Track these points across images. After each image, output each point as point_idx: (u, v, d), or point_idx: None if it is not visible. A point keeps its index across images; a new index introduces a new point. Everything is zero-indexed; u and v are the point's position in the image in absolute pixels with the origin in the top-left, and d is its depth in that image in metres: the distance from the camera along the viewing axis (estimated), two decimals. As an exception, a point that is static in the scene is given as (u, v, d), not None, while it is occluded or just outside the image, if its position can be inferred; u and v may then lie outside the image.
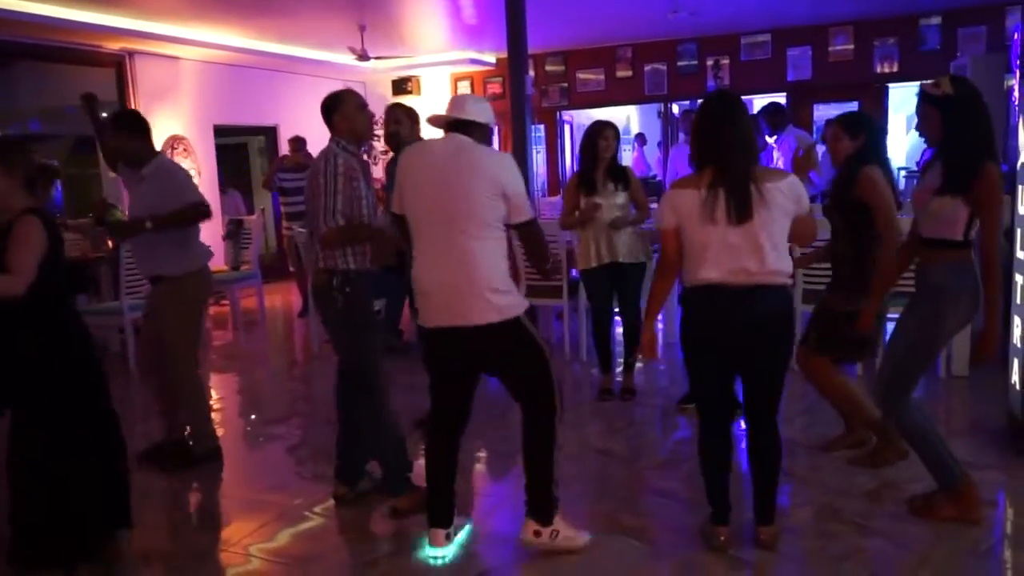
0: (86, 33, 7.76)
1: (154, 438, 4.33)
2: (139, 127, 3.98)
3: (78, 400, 2.96)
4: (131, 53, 8.57)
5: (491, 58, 11.02)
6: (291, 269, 8.72)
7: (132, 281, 5.96)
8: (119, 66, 8.62)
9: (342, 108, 3.39)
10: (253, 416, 5.25)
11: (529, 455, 2.97)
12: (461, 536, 3.16)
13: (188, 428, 4.20)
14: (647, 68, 10.60)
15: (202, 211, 3.97)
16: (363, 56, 8.56)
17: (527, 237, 3.02)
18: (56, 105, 9.72)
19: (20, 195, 2.90)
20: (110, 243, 6.67)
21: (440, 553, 3.06)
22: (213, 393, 5.77)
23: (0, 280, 2.73)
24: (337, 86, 3.52)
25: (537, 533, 2.98)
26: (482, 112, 2.97)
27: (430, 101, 11.30)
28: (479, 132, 2.93)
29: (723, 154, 2.72)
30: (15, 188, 2.88)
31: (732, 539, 2.99)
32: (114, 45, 8.34)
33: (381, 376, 3.41)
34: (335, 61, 10.18)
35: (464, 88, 11.45)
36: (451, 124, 2.95)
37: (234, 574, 3.10)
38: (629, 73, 10.70)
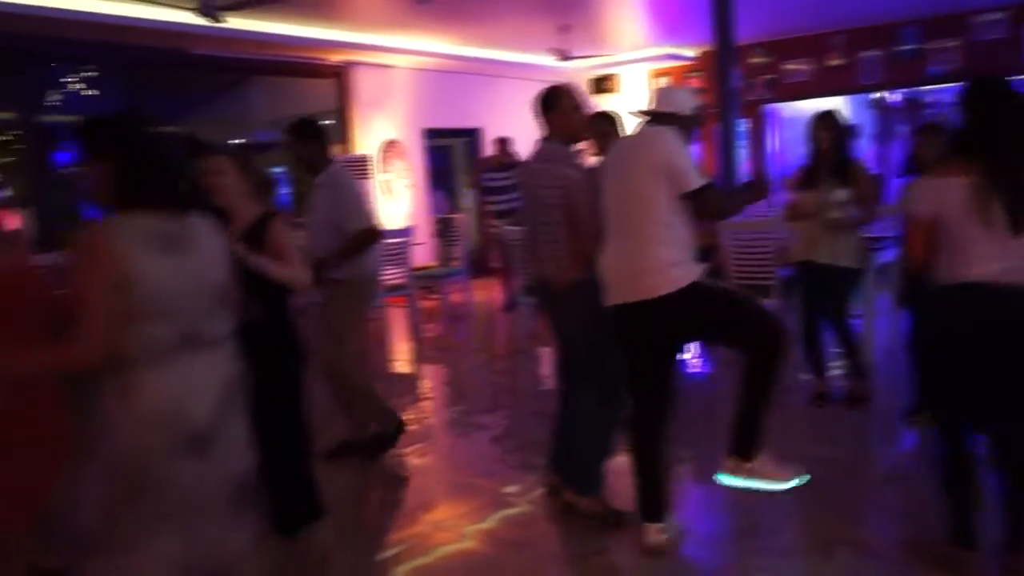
0: (311, 48, 8.46)
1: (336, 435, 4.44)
2: (311, 133, 4.06)
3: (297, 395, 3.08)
4: (350, 64, 9.23)
5: (690, 52, 10.80)
6: (495, 266, 9.01)
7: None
8: (339, 77, 9.32)
9: (560, 105, 3.32)
10: (461, 406, 5.47)
11: (745, 393, 2.92)
12: (672, 534, 3.13)
13: (372, 424, 4.26)
14: (862, 55, 9.95)
15: (369, 237, 3.99)
16: (565, 56, 8.67)
17: (703, 205, 2.91)
18: (283, 116, 10.67)
19: (248, 200, 2.99)
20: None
21: (656, 548, 3.04)
22: (423, 383, 6.10)
23: (290, 274, 2.87)
24: (537, 88, 3.49)
25: (736, 467, 2.94)
26: (676, 102, 2.98)
27: (629, 98, 11.26)
28: (676, 123, 2.94)
29: (995, 147, 2.51)
30: (245, 193, 2.99)
31: (978, 565, 2.74)
32: (335, 58, 9.03)
33: (605, 378, 3.35)
34: (535, 63, 10.40)
35: (663, 85, 11.31)
36: (655, 117, 3.00)
37: (449, 551, 3.26)
38: (841, 61, 10.09)
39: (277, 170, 12.37)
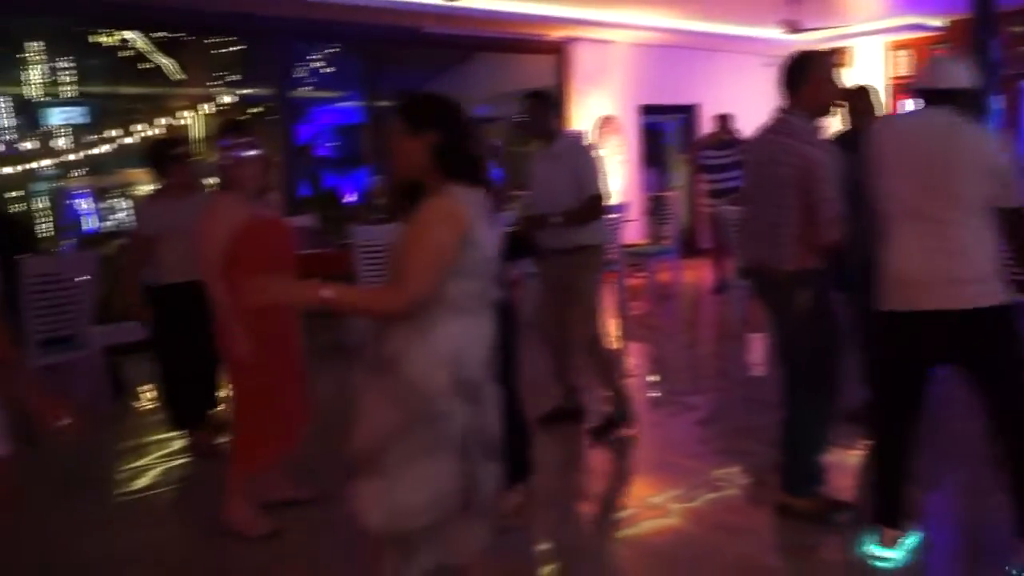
0: (534, 24, 8.61)
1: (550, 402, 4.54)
2: (549, 103, 4.25)
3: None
4: (570, 40, 9.31)
5: (937, 22, 9.86)
6: (707, 246, 8.81)
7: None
8: (559, 53, 9.43)
9: (813, 74, 3.00)
10: (666, 385, 5.43)
11: (1013, 462, 2.65)
12: (909, 541, 2.92)
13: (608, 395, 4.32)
14: None
15: (598, 206, 4.07)
16: (794, 29, 8.23)
17: (1014, 225, 2.66)
18: (502, 92, 10.99)
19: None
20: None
21: (886, 555, 2.87)
22: (629, 360, 6.10)
23: None
24: (760, 63, 3.27)
25: None
26: (963, 76, 2.68)
27: (862, 73, 10.50)
28: (962, 100, 2.65)
29: None
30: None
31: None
32: (556, 33, 9.14)
33: (824, 373, 3.19)
34: (759, 36, 9.95)
35: (903, 58, 10.43)
36: (929, 95, 2.70)
37: (656, 527, 3.27)
38: (1125, 29, 8.80)
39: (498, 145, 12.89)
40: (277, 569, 2.99)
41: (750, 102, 9.69)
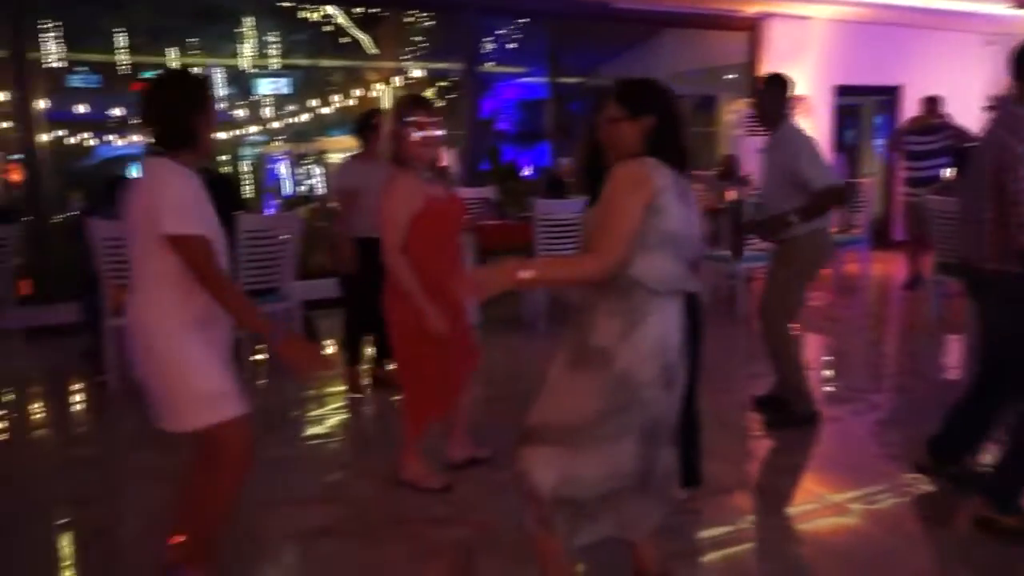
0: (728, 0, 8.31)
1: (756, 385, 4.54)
2: (782, 89, 4.00)
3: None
4: (766, 16, 8.91)
5: None
6: (903, 238, 8.23)
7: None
8: (752, 29, 9.05)
9: None
10: (846, 381, 5.14)
11: None
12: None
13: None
14: None
15: (835, 196, 3.90)
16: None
17: None
18: (690, 69, 10.71)
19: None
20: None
21: None
22: (808, 352, 5.83)
23: None
24: (974, 42, 2.97)
25: None
26: None
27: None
28: None
29: None
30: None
31: None
32: (751, 9, 8.77)
33: None
34: (979, 11, 9.08)
35: None
36: None
37: (832, 525, 3.12)
38: None
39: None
40: (448, 520, 3.12)
41: (962, 85, 8.94)
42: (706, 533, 3.04)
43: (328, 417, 4.43)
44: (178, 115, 2.31)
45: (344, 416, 4.44)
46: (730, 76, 10.30)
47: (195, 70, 10.53)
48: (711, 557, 2.89)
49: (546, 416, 2.21)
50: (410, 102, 3.26)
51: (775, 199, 3.94)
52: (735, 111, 9.43)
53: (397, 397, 4.30)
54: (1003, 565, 2.83)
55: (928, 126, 7.35)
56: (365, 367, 4.79)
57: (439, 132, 3.20)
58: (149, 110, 2.35)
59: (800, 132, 3.96)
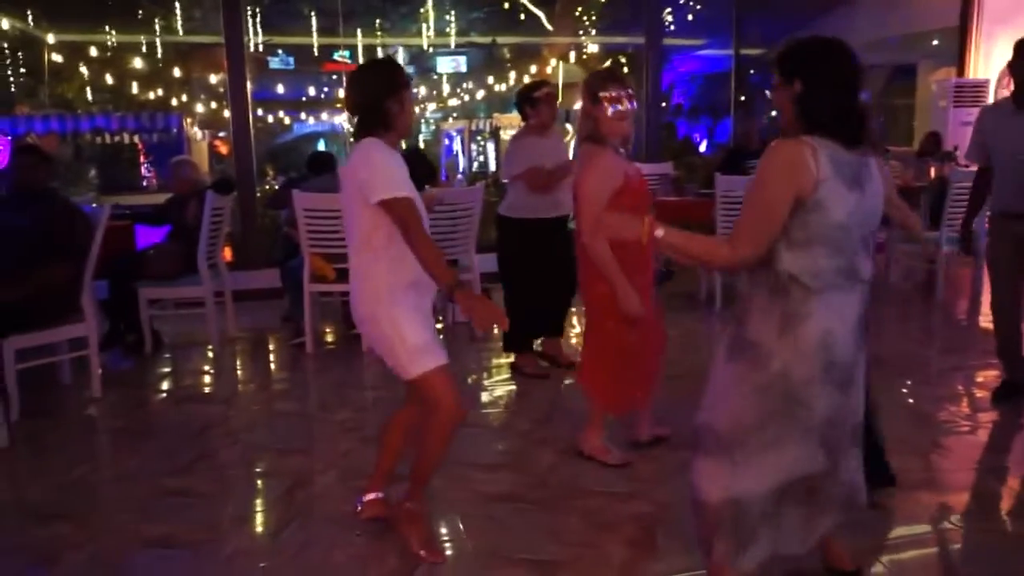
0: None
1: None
2: None
3: None
4: (982, -26, 8.11)
5: None
6: None
7: (955, 213, 5.82)
8: (965, -10, 8.26)
9: None
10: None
11: None
12: None
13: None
14: None
15: None
16: None
17: None
18: (889, 36, 9.95)
19: None
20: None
21: None
22: None
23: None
24: None
25: None
26: None
27: None
28: None
29: None
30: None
31: None
32: (963, -33, 8.01)
33: None
34: None
35: None
36: None
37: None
38: None
39: (863, 95, 11.88)
40: (628, 496, 3.10)
41: None
42: (902, 530, 2.84)
43: (501, 387, 4.53)
44: (374, 100, 2.50)
45: (517, 388, 4.51)
46: (934, 42, 9.48)
47: (380, 51, 11.05)
48: (908, 555, 2.70)
49: (710, 418, 2.12)
50: (603, 76, 3.21)
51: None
52: (939, 80, 8.67)
53: (569, 378, 4.45)
54: None
55: None
56: (537, 344, 4.80)
57: (633, 105, 3.12)
58: (350, 95, 2.58)
59: None
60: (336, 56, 11.22)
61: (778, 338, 1.97)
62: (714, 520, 2.09)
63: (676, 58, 12.39)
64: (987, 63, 8.30)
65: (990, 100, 8.22)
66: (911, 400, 4.19)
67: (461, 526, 2.92)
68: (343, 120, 12.60)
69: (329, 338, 5.74)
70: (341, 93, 11.29)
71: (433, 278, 2.42)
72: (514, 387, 4.51)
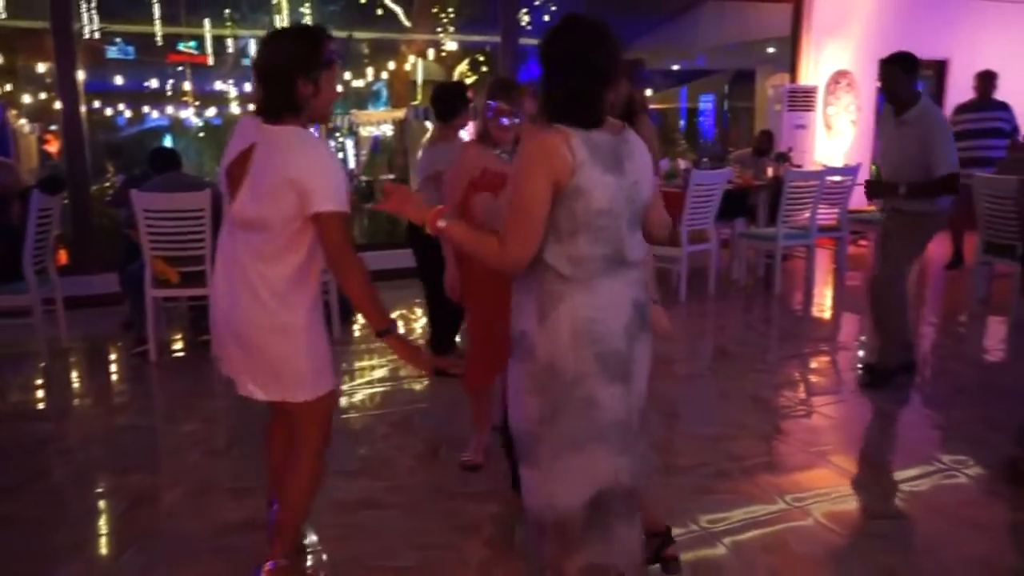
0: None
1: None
2: (911, 67, 4.00)
3: None
4: (811, -13, 8.69)
5: None
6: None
7: (790, 211, 6.22)
8: (798, 1, 8.82)
9: None
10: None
11: None
12: None
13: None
14: None
15: (952, 186, 3.97)
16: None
17: None
18: (727, 43, 10.52)
19: None
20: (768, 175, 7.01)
21: None
22: (842, 332, 5.77)
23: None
24: None
25: None
26: None
27: None
28: None
29: None
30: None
31: None
32: (794, -20, 8.56)
33: None
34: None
35: None
36: None
37: (875, 508, 3.08)
38: None
39: (707, 99, 12.43)
40: (482, 495, 3.11)
41: (1013, 58, 8.65)
42: (744, 512, 3.00)
43: (362, 390, 4.45)
44: (283, 77, 2.12)
45: (378, 391, 4.45)
46: (770, 50, 10.09)
47: (231, 43, 10.57)
48: (749, 535, 2.85)
49: (512, 423, 2.04)
50: (497, 86, 3.19)
51: (901, 173, 4.07)
52: (775, 85, 9.24)
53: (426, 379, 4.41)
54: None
55: (982, 103, 7.13)
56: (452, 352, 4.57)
57: (516, 120, 3.13)
58: (256, 64, 2.20)
59: (935, 114, 4.11)
60: (181, 47, 10.68)
61: (538, 326, 1.88)
62: (539, 527, 2.02)
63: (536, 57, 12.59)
64: (817, 70, 8.92)
65: (819, 104, 8.85)
66: (752, 387, 4.43)
67: (316, 537, 2.84)
68: (190, 114, 12.02)
69: (176, 346, 5.45)
70: (187, 86, 10.75)
71: (365, 317, 2.26)
72: (376, 390, 4.44)
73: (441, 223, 1.94)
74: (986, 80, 7.22)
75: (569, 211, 1.81)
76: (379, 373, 4.69)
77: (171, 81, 11.64)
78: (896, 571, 2.64)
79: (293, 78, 2.12)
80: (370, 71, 11.81)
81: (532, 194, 1.80)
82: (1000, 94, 7.23)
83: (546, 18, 10.68)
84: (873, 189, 4.29)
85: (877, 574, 2.63)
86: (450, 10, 11.14)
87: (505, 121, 3.10)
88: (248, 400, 2.35)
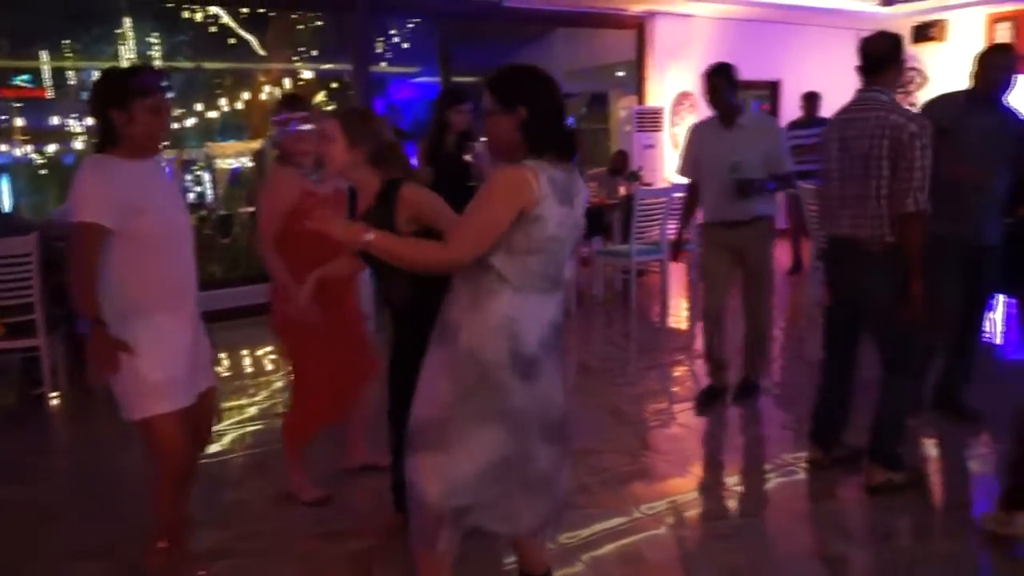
0: (615, -2, 8.47)
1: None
2: (732, 78, 4.17)
3: None
4: (651, 14, 9.12)
5: (1043, -7, 9.30)
6: (784, 227, 8.56)
7: (642, 227, 6.45)
8: (640, 27, 9.25)
9: (901, 54, 3.18)
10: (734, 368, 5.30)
11: None
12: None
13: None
14: None
15: (792, 181, 4.30)
16: (888, 1, 7.87)
17: None
18: (581, 67, 10.85)
19: (367, 169, 2.58)
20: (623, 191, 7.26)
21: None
22: (697, 341, 5.99)
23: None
24: (848, 36, 3.26)
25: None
26: None
27: (957, 48, 10.01)
28: None
29: None
30: (360, 163, 2.58)
31: None
32: (637, 7, 8.96)
33: (915, 352, 3.23)
34: (847, 8, 9.58)
35: (1004, 31, 9.87)
36: None
37: (723, 507, 3.24)
38: None
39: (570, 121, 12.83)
40: (344, 533, 3.06)
41: (836, 78, 9.36)
42: (602, 525, 3.07)
43: (226, 434, 4.28)
44: (99, 111, 2.37)
45: (230, 434, 4.28)
46: (620, 73, 10.50)
47: (73, 75, 10.01)
48: (607, 549, 2.92)
49: (419, 410, 2.18)
50: (280, 102, 3.27)
51: (742, 175, 4.10)
52: (626, 107, 9.62)
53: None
54: (874, 529, 3.01)
55: (810, 120, 7.67)
56: None
57: (307, 127, 3.11)
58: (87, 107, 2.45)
59: (768, 119, 4.42)
60: (16, 81, 10.04)
61: (467, 312, 2.09)
62: (436, 514, 2.12)
63: (394, 84, 12.57)
64: (662, 91, 9.35)
65: (666, 124, 9.27)
66: (614, 400, 4.55)
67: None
68: (29, 150, 11.29)
69: (7, 400, 5.06)
70: (20, 122, 10.09)
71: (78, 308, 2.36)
72: (229, 433, 4.27)
73: (368, 236, 2.05)
74: (811, 100, 7.80)
75: (526, 234, 2.03)
76: (240, 414, 4.51)
77: (3, 117, 10.91)
78: (739, 569, 2.77)
79: (105, 109, 2.34)
80: (224, 102, 11.47)
81: (497, 216, 2.01)
82: (824, 111, 7.79)
83: (406, 45, 10.73)
84: (744, 186, 4.11)
85: (723, 574, 2.75)
86: (305, 39, 10.99)
87: (296, 126, 3.07)
88: (91, 458, 2.29)
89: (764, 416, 4.38)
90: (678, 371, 5.27)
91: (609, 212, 7.24)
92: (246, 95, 11.11)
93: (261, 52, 10.95)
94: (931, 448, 3.79)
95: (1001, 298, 6.01)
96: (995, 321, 6.03)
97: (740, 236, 4.21)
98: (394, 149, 2.63)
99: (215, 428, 4.28)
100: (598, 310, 6.87)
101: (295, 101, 3.25)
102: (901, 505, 3.17)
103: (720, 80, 4.15)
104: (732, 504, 3.30)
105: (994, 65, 3.68)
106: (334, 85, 10.81)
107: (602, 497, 3.31)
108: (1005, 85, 3.67)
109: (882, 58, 3.13)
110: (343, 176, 2.69)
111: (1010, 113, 3.74)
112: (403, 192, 2.48)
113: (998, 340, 5.66)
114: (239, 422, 4.41)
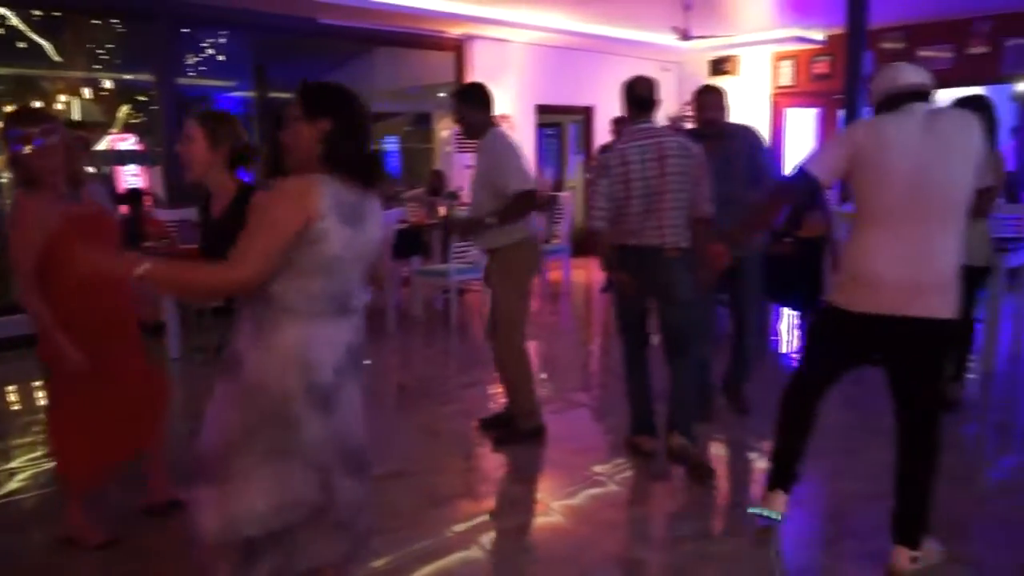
0: (431, 20, 8.55)
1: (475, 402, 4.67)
2: (478, 99, 3.98)
3: None
4: (469, 38, 9.30)
5: (819, 35, 10.35)
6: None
7: (461, 247, 6.50)
8: (458, 50, 9.39)
9: (658, 94, 3.79)
10: (556, 383, 5.46)
11: (911, 465, 2.74)
12: (778, 516, 3.08)
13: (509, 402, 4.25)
14: (1008, 43, 9.28)
15: (529, 200, 3.86)
16: (685, 36, 8.46)
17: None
18: (403, 87, 10.86)
19: (223, 172, 2.78)
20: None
21: (772, 516, 3.07)
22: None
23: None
24: (653, 67, 3.62)
25: (914, 559, 2.76)
26: (924, 75, 2.67)
27: (748, 82, 10.93)
28: (924, 99, 2.66)
29: None
30: (217, 164, 2.77)
31: None
32: (456, 31, 9.10)
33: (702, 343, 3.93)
34: (653, 42, 10.19)
35: (786, 68, 10.89)
36: (898, 97, 2.64)
37: (537, 524, 3.30)
38: (984, 49, 9.45)
39: (391, 140, 12.73)
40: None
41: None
42: (417, 546, 3.05)
43: (17, 472, 3.87)
44: None
45: (39, 472, 3.89)
46: (441, 94, 10.60)
47: None
48: (420, 571, 2.90)
49: (203, 443, 2.07)
50: (12, 116, 2.83)
51: (481, 206, 3.93)
52: (447, 128, 9.72)
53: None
54: (667, 530, 3.17)
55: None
56: None
57: (53, 139, 2.77)
58: None
59: (503, 138, 3.94)
60: None
61: (251, 343, 2.01)
62: (215, 549, 2.03)
63: (220, 98, 12.02)
64: (482, 114, 9.53)
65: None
66: (430, 420, 4.54)
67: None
68: None
69: None
70: None
71: None
72: (22, 473, 3.87)
73: (142, 268, 1.89)
74: (619, 124, 8.21)
75: (309, 252, 1.95)
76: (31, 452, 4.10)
77: None
78: (546, 581, 2.83)
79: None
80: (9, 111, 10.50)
81: (281, 225, 1.91)
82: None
83: (222, 58, 10.27)
84: (455, 225, 4.06)
85: (531, 587, 2.80)
86: (106, 46, 10.27)
87: (39, 143, 2.73)
88: None
89: (580, 428, 4.52)
90: (497, 388, 5.33)
91: (427, 231, 7.27)
92: (38, 104, 10.23)
93: (57, 58, 10.13)
94: (721, 449, 4.07)
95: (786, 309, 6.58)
96: (781, 330, 6.60)
97: (489, 266, 4.21)
98: (252, 151, 2.66)
99: (6, 466, 3.92)
100: (418, 329, 6.85)
101: (30, 114, 2.88)
102: (690, 509, 3.37)
103: (456, 103, 4.01)
104: (544, 519, 3.36)
105: (705, 105, 4.17)
106: (139, 97, 10.18)
107: (415, 519, 3.28)
108: (719, 120, 4.16)
109: (648, 97, 3.70)
110: (202, 178, 2.70)
111: (738, 138, 4.17)
112: (258, 198, 2.38)
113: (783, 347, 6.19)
114: (34, 459, 4.00)
